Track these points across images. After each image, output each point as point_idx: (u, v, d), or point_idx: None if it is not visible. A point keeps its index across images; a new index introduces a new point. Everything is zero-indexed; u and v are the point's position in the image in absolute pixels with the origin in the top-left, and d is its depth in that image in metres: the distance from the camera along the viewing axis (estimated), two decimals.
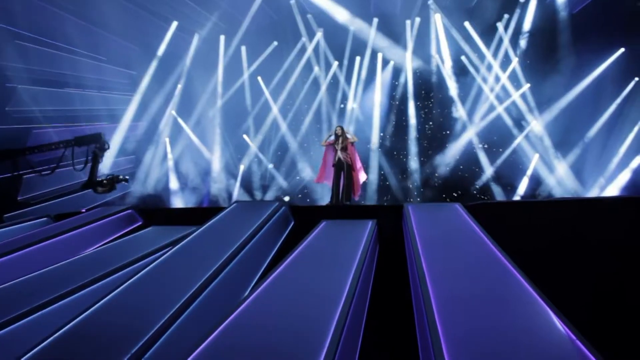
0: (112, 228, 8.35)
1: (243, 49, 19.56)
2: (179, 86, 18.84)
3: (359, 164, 12.52)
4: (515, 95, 17.76)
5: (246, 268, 5.43)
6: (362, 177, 12.67)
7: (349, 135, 12.46)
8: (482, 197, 17.33)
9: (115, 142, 16.87)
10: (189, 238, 6.07)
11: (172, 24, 17.72)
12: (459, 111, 18.39)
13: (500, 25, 18.12)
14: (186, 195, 18.63)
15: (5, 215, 12.09)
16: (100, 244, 7.78)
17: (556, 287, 4.33)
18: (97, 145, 11.76)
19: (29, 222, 9.05)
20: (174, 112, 18.90)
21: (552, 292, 3.96)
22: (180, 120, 18.92)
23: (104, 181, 11.78)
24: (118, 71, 17.18)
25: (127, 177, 12.33)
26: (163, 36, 17.84)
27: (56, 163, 11.65)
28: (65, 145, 11.69)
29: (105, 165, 16.43)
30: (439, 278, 4.26)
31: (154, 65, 17.94)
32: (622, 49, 16.22)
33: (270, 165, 19.33)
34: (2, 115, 12.82)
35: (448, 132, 18.57)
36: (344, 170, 12.26)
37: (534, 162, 17.18)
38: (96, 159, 11.80)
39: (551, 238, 6.43)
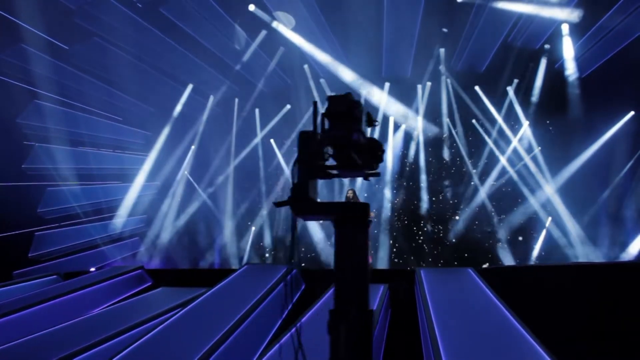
0: (121, 288, 8.30)
1: (257, 111, 19.85)
2: (193, 147, 19.04)
3: None
4: (527, 159, 17.79)
5: (255, 332, 5.35)
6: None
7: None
8: (495, 260, 17.11)
9: (127, 201, 16.96)
10: (198, 300, 6.03)
11: (188, 87, 18.08)
12: (471, 174, 18.41)
13: (510, 90, 18.34)
14: (197, 256, 18.51)
15: (15, 272, 12.05)
16: (109, 304, 7.71)
17: (572, 353, 4.23)
18: None
19: (38, 280, 9.03)
20: (187, 173, 19.05)
21: (568, 358, 3.87)
22: (192, 181, 19.02)
23: None
24: (133, 131, 17.45)
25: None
26: (179, 98, 18.15)
27: None
28: None
29: (117, 224, 16.49)
30: (452, 346, 4.17)
31: (168, 126, 18.18)
32: (632, 112, 16.32)
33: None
34: (18, 172, 12.99)
35: (460, 195, 18.53)
36: None
37: (547, 225, 17.02)
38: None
39: (565, 303, 6.33)
